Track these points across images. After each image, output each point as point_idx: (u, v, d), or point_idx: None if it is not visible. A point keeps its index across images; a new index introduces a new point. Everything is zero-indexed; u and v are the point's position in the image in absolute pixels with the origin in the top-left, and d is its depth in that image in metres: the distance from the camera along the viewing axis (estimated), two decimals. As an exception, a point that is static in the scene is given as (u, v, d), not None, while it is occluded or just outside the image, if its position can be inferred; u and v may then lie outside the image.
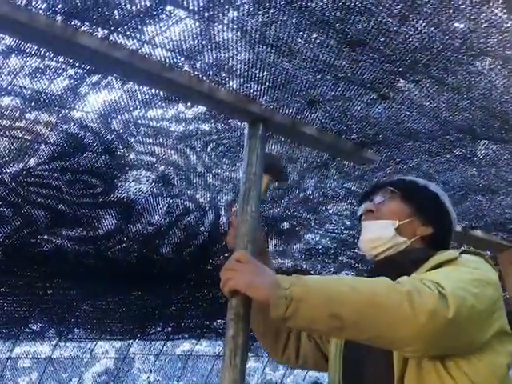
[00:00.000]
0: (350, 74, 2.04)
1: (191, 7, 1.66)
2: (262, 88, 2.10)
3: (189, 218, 3.58)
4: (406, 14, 1.62)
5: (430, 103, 2.29)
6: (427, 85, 2.11)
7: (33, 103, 2.17)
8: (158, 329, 5.51)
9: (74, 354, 5.91)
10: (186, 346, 6.45)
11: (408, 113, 2.41)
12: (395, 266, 1.55)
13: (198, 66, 1.94)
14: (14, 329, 5.03)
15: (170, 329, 5.56)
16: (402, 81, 2.13)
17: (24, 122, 2.30)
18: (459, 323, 1.23)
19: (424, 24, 1.66)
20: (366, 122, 2.47)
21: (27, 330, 5.09)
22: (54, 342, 5.54)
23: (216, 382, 6.81)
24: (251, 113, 2.01)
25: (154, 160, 2.79)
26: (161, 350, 6.17)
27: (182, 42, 1.83)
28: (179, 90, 1.94)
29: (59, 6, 1.59)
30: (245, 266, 1.40)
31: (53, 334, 5.32)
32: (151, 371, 6.47)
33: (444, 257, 1.47)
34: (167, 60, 1.87)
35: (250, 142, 1.91)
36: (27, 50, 1.82)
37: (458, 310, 1.22)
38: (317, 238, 4.53)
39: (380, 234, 1.62)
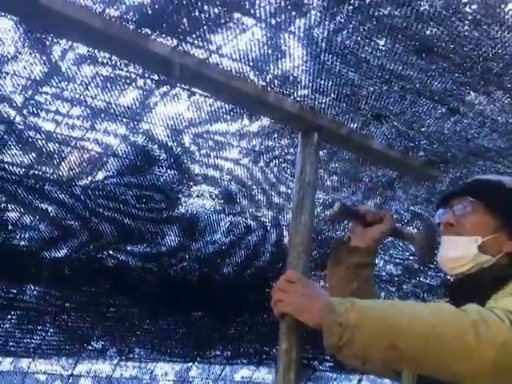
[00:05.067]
0: (417, 85, 2.00)
1: (258, 14, 1.68)
2: (327, 100, 2.09)
3: (250, 238, 3.57)
4: (478, 17, 1.58)
5: (502, 117, 2.22)
6: (499, 97, 2.04)
7: (102, 114, 2.23)
8: (218, 352, 5.48)
9: (134, 375, 5.96)
10: (244, 372, 6.39)
11: (478, 128, 2.33)
12: (476, 285, 1.43)
13: (263, 76, 1.95)
14: (77, 345, 5.12)
15: (229, 353, 5.52)
16: (472, 93, 2.07)
17: (94, 133, 2.37)
18: None
19: (497, 29, 1.62)
20: (434, 138, 2.41)
21: (90, 347, 5.17)
22: (114, 361, 5.60)
23: (274, 411, 6.70)
24: (304, 120, 1.98)
25: (218, 175, 2.82)
26: (219, 375, 6.13)
27: (249, 52, 1.85)
28: (243, 99, 1.95)
29: (130, 14, 1.64)
30: (295, 286, 1.34)
31: (114, 352, 5.38)
32: (209, 396, 6.44)
33: None
34: (233, 69, 1.89)
35: (304, 150, 1.88)
36: (99, 59, 1.89)
37: None
38: (381, 264, 4.42)
39: (461, 253, 1.48)
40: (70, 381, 6.08)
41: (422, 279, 4.70)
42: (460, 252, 1.49)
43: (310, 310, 1.28)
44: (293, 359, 1.43)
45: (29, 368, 5.57)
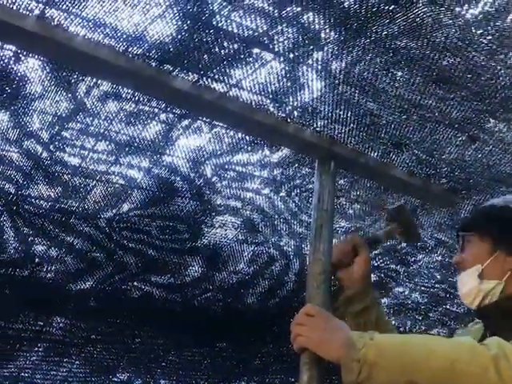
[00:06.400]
0: (437, 114, 2.01)
1: (277, 49, 1.72)
2: (346, 130, 2.11)
3: (273, 267, 3.57)
4: (494, 47, 1.60)
5: (523, 144, 2.21)
6: (519, 124, 2.04)
7: (126, 148, 2.28)
8: (243, 383, 5.44)
9: (159, 407, 5.91)
10: (270, 403, 6.31)
11: (500, 155, 2.33)
12: (498, 314, 1.41)
13: (282, 108, 1.98)
14: (103, 377, 5.11)
15: (254, 384, 5.48)
16: (491, 120, 2.08)
17: (118, 166, 2.41)
18: None
19: (513, 57, 1.63)
20: (455, 165, 2.41)
21: (115, 379, 5.16)
22: (140, 393, 5.58)
23: None
24: (320, 149, 1.99)
25: (240, 205, 2.84)
26: (245, 407, 6.06)
27: (268, 85, 1.89)
28: (261, 130, 1.98)
29: (153, 52, 1.69)
30: (314, 320, 1.34)
31: (139, 384, 5.36)
32: (235, 429, 6.35)
33: None
34: (253, 102, 1.92)
35: (321, 178, 1.89)
36: (123, 95, 1.94)
37: None
38: (406, 292, 4.37)
39: (468, 287, 1.49)
40: (96, 413, 6.06)
41: (448, 307, 4.63)
42: (467, 286, 1.50)
43: (330, 345, 1.26)
44: (314, 391, 1.42)
45: (55, 400, 5.58)
